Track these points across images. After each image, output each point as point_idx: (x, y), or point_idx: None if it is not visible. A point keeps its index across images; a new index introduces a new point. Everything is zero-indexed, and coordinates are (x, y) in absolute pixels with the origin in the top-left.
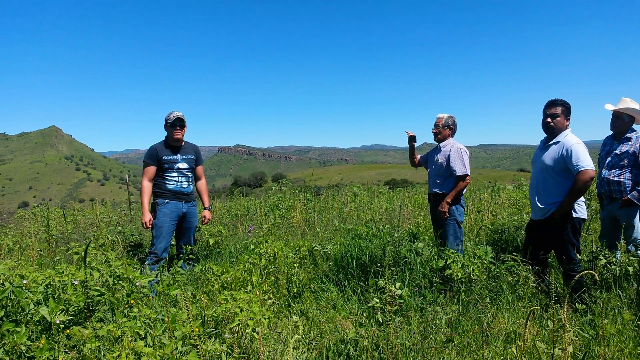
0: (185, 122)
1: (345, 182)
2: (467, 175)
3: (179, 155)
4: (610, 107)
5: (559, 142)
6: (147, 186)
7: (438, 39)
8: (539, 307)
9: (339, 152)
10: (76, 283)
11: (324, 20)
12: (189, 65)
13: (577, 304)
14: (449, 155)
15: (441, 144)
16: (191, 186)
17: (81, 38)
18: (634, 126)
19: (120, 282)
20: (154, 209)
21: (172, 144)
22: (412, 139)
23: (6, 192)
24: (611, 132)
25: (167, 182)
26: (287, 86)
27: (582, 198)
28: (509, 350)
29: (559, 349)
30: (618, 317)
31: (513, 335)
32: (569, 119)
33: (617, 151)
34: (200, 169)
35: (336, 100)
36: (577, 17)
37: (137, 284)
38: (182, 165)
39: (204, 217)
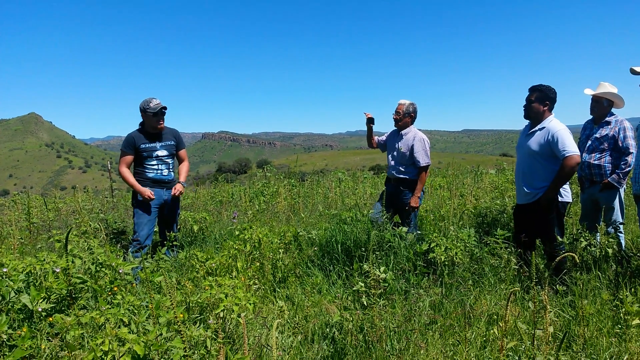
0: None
1: (330, 168)
2: (429, 165)
3: (157, 142)
4: (589, 92)
5: (544, 127)
6: (126, 171)
7: (421, 25)
8: (519, 289)
9: (324, 138)
10: (58, 271)
11: (308, 4)
12: (171, 50)
13: (557, 286)
14: (412, 146)
15: (403, 132)
16: (172, 173)
17: (60, 23)
18: (613, 110)
19: (103, 269)
20: (135, 197)
21: (152, 132)
22: (370, 120)
23: None
24: (591, 117)
25: (147, 170)
26: (272, 72)
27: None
28: (491, 331)
29: (540, 329)
30: (597, 297)
31: (495, 317)
32: (547, 105)
33: (597, 135)
34: (183, 152)
35: (321, 86)
36: (559, 2)
37: (121, 271)
38: (162, 152)
39: (175, 188)
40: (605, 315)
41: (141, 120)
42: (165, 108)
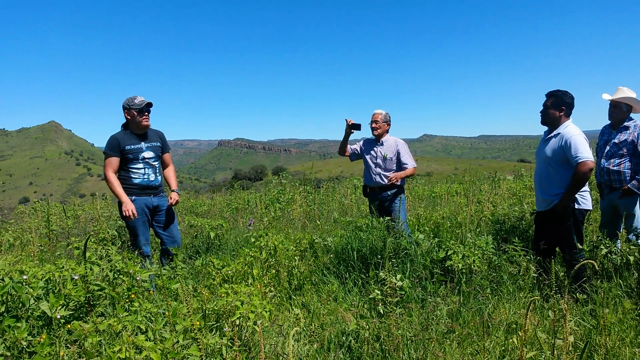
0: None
1: (346, 175)
2: (415, 167)
3: (143, 143)
4: (607, 97)
5: (559, 133)
6: (113, 177)
7: (438, 30)
8: (539, 298)
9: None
10: (76, 278)
11: (322, 11)
12: (188, 59)
13: (578, 294)
14: (398, 151)
15: (383, 139)
16: (159, 177)
17: (79, 33)
18: (632, 115)
19: (121, 276)
20: (121, 208)
21: (137, 132)
22: (355, 127)
23: (6, 187)
24: (609, 122)
25: (132, 175)
26: (287, 79)
27: (585, 188)
28: (510, 340)
29: (560, 338)
30: (619, 306)
31: (514, 326)
32: (563, 110)
33: (616, 140)
34: (167, 156)
35: (336, 92)
36: (576, 6)
37: (138, 278)
38: (148, 154)
39: (171, 198)
40: (627, 325)
41: (124, 122)
42: (150, 104)
